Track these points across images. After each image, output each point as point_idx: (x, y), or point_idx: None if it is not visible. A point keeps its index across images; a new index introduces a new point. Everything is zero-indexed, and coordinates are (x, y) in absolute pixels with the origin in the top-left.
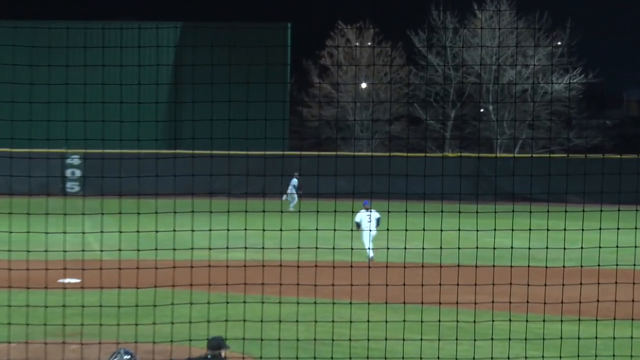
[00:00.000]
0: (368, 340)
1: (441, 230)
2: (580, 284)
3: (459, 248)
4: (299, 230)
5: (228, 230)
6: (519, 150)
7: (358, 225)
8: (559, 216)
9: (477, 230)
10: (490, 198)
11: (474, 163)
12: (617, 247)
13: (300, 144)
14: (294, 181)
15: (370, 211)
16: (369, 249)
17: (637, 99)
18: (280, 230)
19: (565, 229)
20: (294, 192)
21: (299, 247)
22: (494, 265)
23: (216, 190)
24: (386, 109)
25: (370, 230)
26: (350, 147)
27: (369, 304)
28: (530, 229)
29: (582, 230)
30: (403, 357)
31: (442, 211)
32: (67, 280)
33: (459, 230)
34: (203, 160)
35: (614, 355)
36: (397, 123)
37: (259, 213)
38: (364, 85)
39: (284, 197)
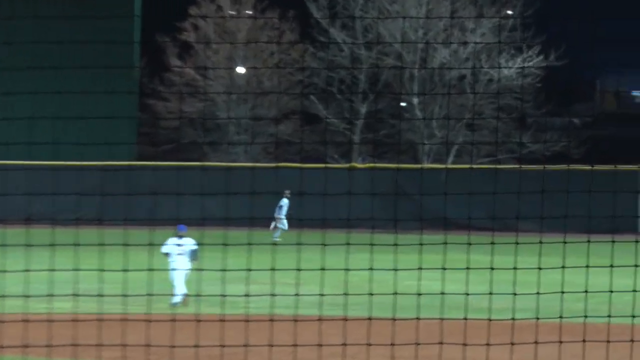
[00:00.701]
0: None
1: (346, 270)
2: (536, 342)
3: (370, 294)
4: (124, 271)
5: (53, 270)
6: (453, 159)
7: (167, 255)
8: (508, 250)
9: (396, 270)
10: (415, 225)
11: (392, 177)
12: (585, 292)
13: (153, 151)
14: (284, 202)
15: (180, 239)
16: (176, 295)
17: (615, 90)
18: (124, 271)
19: (515, 268)
20: (282, 216)
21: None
22: (418, 318)
23: (35, 215)
24: (272, 102)
25: (187, 269)
26: (222, 155)
27: None
28: (468, 268)
29: (539, 269)
30: None
31: (348, 243)
32: None
33: (371, 269)
34: (16, 175)
35: None
36: (287, 122)
37: (93, 247)
38: (241, 69)
39: (272, 224)
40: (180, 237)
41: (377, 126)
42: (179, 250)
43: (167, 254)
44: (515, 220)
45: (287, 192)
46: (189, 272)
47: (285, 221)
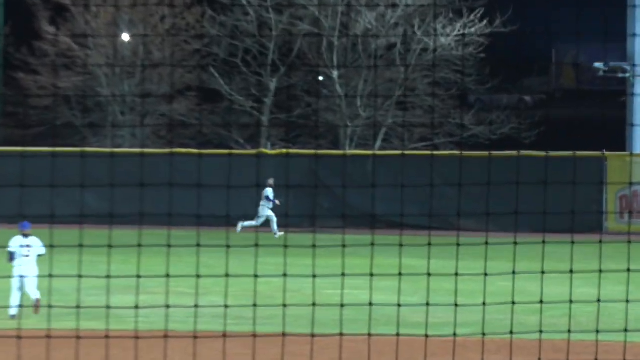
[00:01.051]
0: None
1: (255, 277)
2: None
3: (283, 305)
4: None
5: None
6: (382, 144)
7: (11, 257)
8: (448, 253)
9: (314, 277)
10: (336, 222)
11: (308, 165)
12: (540, 302)
13: (21, 134)
14: (269, 192)
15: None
16: (12, 307)
17: (573, 61)
18: None
19: (457, 274)
20: (266, 207)
21: None
22: (341, 334)
23: None
24: (164, 76)
25: (34, 275)
26: (104, 139)
27: None
28: (400, 274)
29: (485, 275)
30: None
31: (256, 245)
32: None
33: (285, 276)
34: None
35: None
36: (181, 100)
37: None
38: (126, 37)
39: (256, 220)
40: (26, 236)
41: (290, 105)
42: (26, 251)
43: (11, 255)
44: (456, 218)
45: (271, 180)
46: (35, 278)
47: (265, 215)
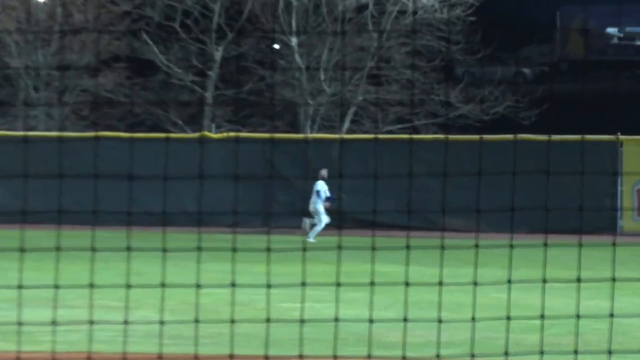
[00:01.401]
0: None
1: (197, 287)
2: None
3: (231, 322)
4: None
5: None
6: (350, 126)
7: None
8: (430, 258)
9: (268, 287)
10: (295, 220)
11: (261, 152)
12: (541, 317)
13: None
14: (320, 185)
15: None
16: None
17: (582, 26)
18: None
19: (441, 283)
20: (318, 208)
21: None
22: (300, 357)
23: None
24: (87, 44)
25: None
26: (14, 120)
27: None
28: (372, 283)
29: (475, 284)
30: None
31: (198, 248)
32: None
33: (233, 286)
34: None
35: None
36: (107, 73)
37: None
38: None
39: (306, 222)
40: None
41: (240, 79)
42: None
43: None
44: (441, 215)
45: (324, 171)
46: None
47: (322, 214)
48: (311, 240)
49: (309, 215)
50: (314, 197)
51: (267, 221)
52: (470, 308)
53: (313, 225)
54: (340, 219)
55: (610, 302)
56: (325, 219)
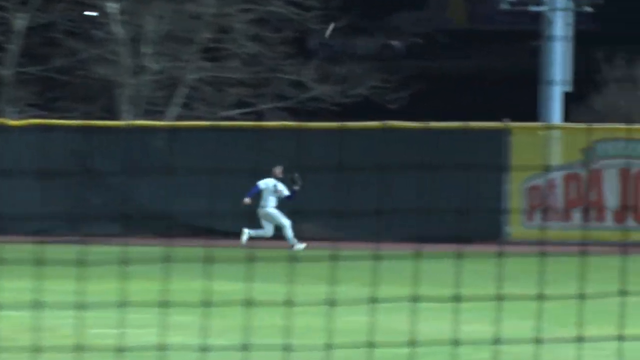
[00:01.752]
0: None
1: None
2: None
3: (34, 351)
4: None
5: None
6: (181, 110)
7: None
8: (277, 273)
9: (80, 308)
10: (112, 226)
11: (70, 142)
12: (410, 345)
13: None
14: (268, 184)
15: None
16: None
17: None
18: None
19: (291, 303)
20: (270, 209)
21: None
22: None
23: None
24: None
25: None
26: None
27: None
28: (207, 304)
29: (329, 305)
30: None
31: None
32: None
33: (35, 308)
34: None
35: None
36: None
37: None
38: None
39: (246, 234)
40: None
41: (46, 53)
42: None
43: None
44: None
45: (279, 168)
46: None
47: (277, 217)
48: (300, 247)
49: (257, 223)
50: (264, 199)
51: (77, 227)
52: (323, 333)
53: (257, 237)
54: (169, 225)
55: (494, 326)
56: (286, 221)
